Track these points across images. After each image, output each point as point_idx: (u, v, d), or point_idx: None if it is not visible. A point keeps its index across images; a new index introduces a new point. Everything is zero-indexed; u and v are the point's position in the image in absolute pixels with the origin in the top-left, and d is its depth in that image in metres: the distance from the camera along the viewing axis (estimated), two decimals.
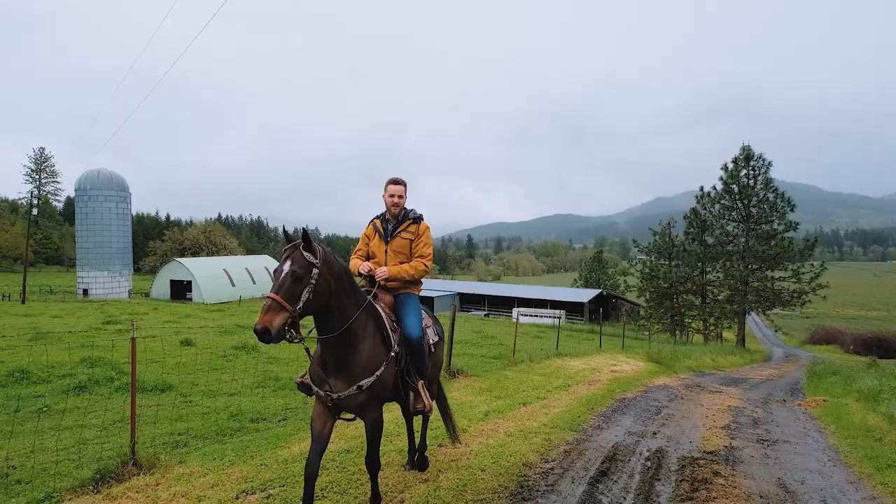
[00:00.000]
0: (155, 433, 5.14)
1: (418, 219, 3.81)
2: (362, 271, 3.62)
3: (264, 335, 2.58)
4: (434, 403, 3.90)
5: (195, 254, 78.15)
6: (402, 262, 3.71)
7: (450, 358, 8.96)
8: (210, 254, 78.67)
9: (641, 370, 11.78)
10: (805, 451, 5.62)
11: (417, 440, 4.34)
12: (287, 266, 2.74)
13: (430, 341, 3.85)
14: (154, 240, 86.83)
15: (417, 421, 4.39)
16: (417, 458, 4.23)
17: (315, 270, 2.80)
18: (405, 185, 3.81)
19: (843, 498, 4.16)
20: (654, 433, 5.95)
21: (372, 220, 3.91)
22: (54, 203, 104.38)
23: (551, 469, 4.40)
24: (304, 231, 2.83)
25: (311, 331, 3.03)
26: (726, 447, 5.53)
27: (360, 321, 3.13)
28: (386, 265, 3.65)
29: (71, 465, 4.17)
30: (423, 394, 3.51)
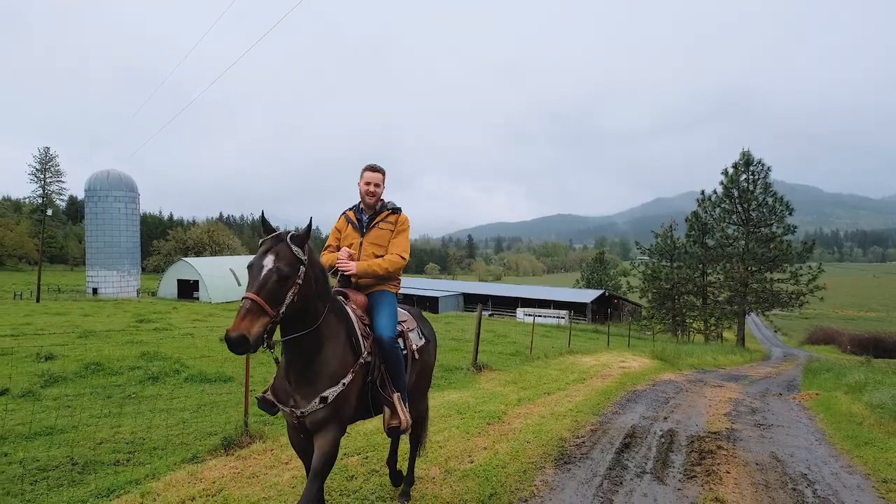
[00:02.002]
0: (240, 416, 6.02)
1: (398, 210, 3.49)
2: (339, 266, 3.22)
3: (241, 344, 2.17)
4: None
5: (199, 253, 79.00)
6: (376, 256, 3.33)
7: (476, 354, 9.86)
8: (213, 253, 79.55)
9: (648, 366, 12.68)
10: (796, 434, 6.51)
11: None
12: (270, 261, 2.35)
13: (414, 346, 3.37)
14: (158, 239, 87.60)
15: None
16: (402, 490, 3.71)
17: (303, 269, 2.44)
18: (384, 174, 3.46)
19: (825, 466, 5.04)
20: (665, 418, 6.85)
21: (343, 213, 3.57)
22: (58, 202, 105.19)
23: (583, 442, 5.30)
24: (310, 224, 2.49)
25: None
26: (728, 429, 6.42)
27: (329, 325, 2.74)
28: (359, 259, 3.31)
29: (190, 437, 5.06)
30: (398, 408, 2.98)
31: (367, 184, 3.38)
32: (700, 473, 4.56)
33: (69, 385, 7.60)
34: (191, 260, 58.13)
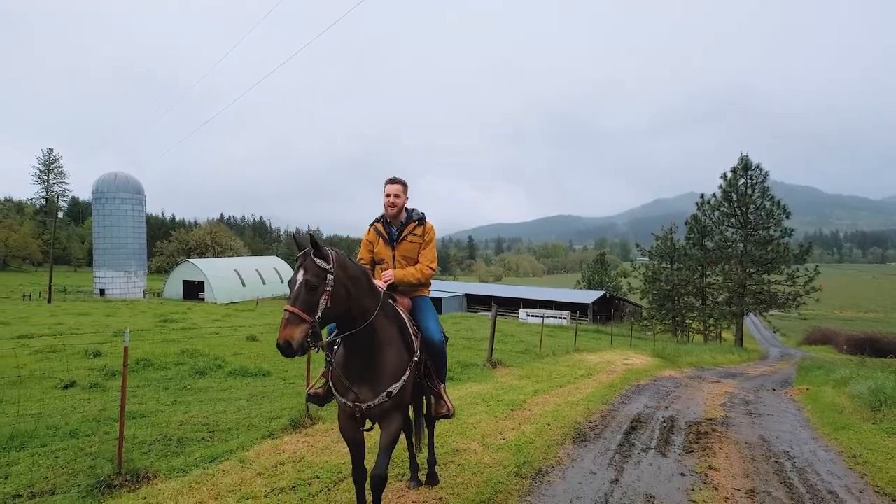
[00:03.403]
0: (291, 403, 6.79)
1: (423, 220, 3.67)
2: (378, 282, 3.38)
3: (287, 350, 2.48)
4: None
5: (201, 254, 79.64)
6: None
7: (491, 351, 10.66)
8: (216, 254, 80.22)
9: (649, 364, 13.46)
10: (783, 421, 7.29)
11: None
12: (301, 276, 2.63)
13: None
14: (161, 240, 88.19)
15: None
16: (427, 474, 4.07)
17: (330, 277, 2.67)
18: (404, 185, 3.63)
19: (805, 446, 5.82)
20: (666, 407, 7.63)
21: (372, 224, 3.73)
22: (61, 203, 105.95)
23: (595, 426, 6.08)
24: (311, 236, 2.72)
25: (333, 334, 3.04)
26: (722, 416, 7.21)
27: (384, 324, 3.02)
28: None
29: (256, 420, 5.83)
30: (445, 397, 3.47)
31: (388, 195, 3.57)
32: (697, 449, 5.35)
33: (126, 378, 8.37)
34: (196, 261, 58.84)
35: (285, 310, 2.56)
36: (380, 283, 3.33)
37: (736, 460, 5.05)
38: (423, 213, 3.72)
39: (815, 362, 18.67)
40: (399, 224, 3.64)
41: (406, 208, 3.69)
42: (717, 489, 4.21)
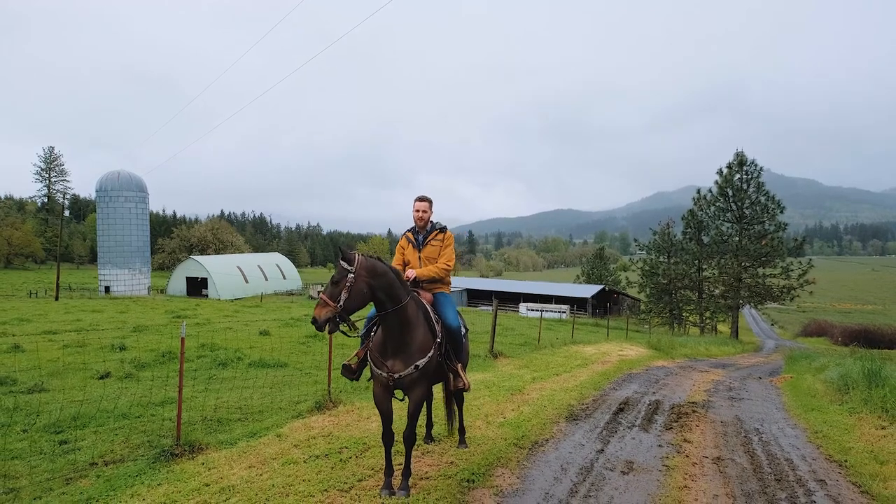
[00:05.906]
0: (311, 390, 7.46)
1: (444, 229, 4.49)
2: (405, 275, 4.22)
3: (315, 323, 3.37)
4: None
5: (203, 251, 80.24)
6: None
7: (493, 343, 11.32)
8: (217, 251, 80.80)
9: (643, 355, 14.14)
10: (761, 404, 7.96)
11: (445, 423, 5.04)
12: (333, 274, 3.53)
13: (462, 330, 4.40)
14: (162, 237, 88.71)
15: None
16: (458, 441, 4.94)
17: (350, 276, 3.45)
18: (430, 202, 4.54)
19: (774, 424, 6.49)
20: (654, 392, 8.31)
21: (404, 234, 4.61)
22: (62, 201, 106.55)
23: (587, 407, 6.76)
24: (340, 247, 3.59)
25: (373, 324, 3.97)
26: (704, 400, 7.88)
27: (412, 310, 3.74)
28: (420, 268, 4.40)
29: (282, 404, 6.50)
30: (462, 375, 4.19)
31: (417, 211, 4.50)
32: (676, 427, 6.03)
33: (155, 369, 9.07)
34: (200, 258, 59.51)
35: (319, 294, 3.47)
36: (408, 272, 4.29)
37: (709, 435, 5.72)
38: (444, 225, 4.57)
39: (803, 353, 19.37)
40: (425, 233, 4.53)
41: (431, 221, 4.59)
42: (687, 457, 4.89)
